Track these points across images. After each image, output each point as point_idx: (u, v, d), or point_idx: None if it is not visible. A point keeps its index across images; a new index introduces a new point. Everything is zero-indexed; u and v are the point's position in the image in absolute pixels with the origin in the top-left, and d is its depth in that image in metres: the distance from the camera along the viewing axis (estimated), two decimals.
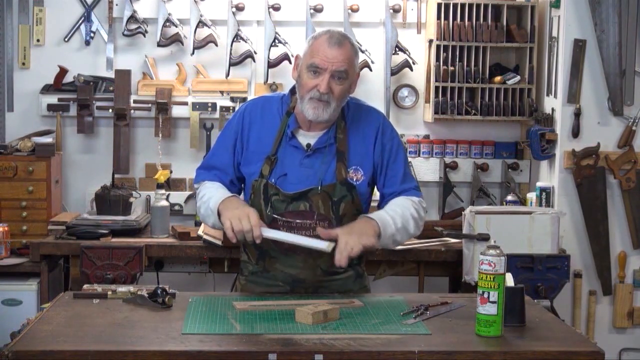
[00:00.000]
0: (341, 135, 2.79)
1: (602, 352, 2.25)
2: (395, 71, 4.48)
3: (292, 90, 2.85)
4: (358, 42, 4.42)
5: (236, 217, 2.64)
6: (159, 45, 4.42)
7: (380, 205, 2.89)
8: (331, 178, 2.77)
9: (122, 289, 2.71)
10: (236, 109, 4.37)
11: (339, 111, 2.77)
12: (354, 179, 2.79)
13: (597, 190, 4.15)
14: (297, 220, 2.75)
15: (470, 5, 4.33)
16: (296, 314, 2.44)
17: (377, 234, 2.69)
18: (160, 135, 4.44)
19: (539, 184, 4.21)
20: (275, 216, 2.76)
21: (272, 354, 2.16)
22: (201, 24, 4.41)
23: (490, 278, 2.31)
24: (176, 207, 4.44)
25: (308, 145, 2.78)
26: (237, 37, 4.41)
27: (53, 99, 4.43)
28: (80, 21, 4.48)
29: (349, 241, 2.62)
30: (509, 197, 4.22)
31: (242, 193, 2.92)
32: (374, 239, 2.67)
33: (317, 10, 4.47)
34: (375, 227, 2.69)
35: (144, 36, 4.44)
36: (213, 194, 2.79)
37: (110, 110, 4.44)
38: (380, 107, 4.37)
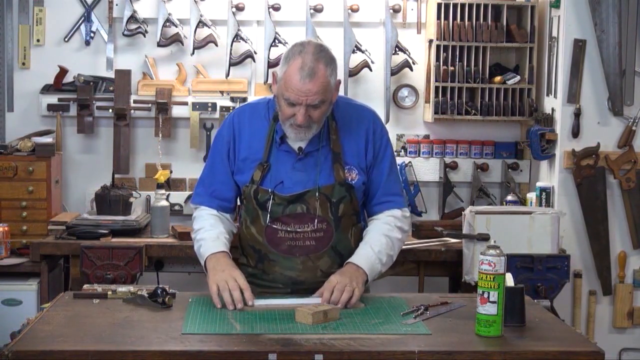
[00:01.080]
0: (334, 136, 2.79)
1: (602, 352, 2.25)
2: (395, 71, 4.48)
3: None
4: (358, 42, 4.43)
5: (223, 280, 2.64)
6: (159, 45, 4.42)
7: (366, 207, 2.90)
8: (326, 179, 2.77)
9: (122, 289, 2.71)
10: (235, 109, 4.41)
11: (323, 123, 2.75)
12: (349, 179, 2.79)
13: (597, 190, 4.15)
14: (297, 225, 2.76)
15: (470, 5, 4.33)
16: (296, 314, 2.44)
17: (364, 283, 2.73)
18: (160, 135, 4.44)
19: (539, 184, 4.21)
20: (270, 224, 2.76)
21: (272, 354, 2.17)
22: (201, 24, 4.41)
23: (490, 278, 2.31)
24: (176, 207, 4.43)
25: (300, 148, 2.77)
26: (237, 37, 4.41)
27: (53, 99, 4.43)
28: (80, 21, 4.48)
29: (342, 281, 2.65)
30: (509, 197, 4.22)
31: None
32: (363, 288, 2.72)
33: (317, 10, 4.47)
34: (363, 276, 2.72)
35: (144, 36, 4.44)
36: (205, 236, 2.80)
37: (110, 110, 4.43)
38: (380, 107, 4.38)
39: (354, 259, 2.76)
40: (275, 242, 2.78)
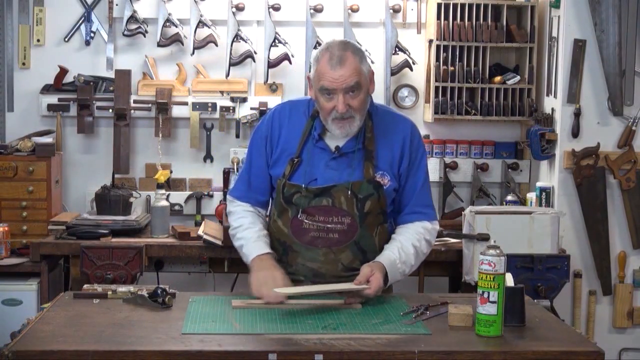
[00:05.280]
0: (369, 134, 2.82)
1: (602, 352, 2.25)
2: (395, 71, 4.48)
3: None
4: (358, 43, 4.42)
5: (263, 277, 2.69)
6: (159, 45, 4.42)
7: (397, 216, 2.92)
8: (356, 176, 2.80)
9: (122, 289, 2.71)
10: (236, 109, 4.43)
11: (364, 117, 2.79)
12: (381, 183, 2.82)
13: (597, 190, 4.15)
14: (322, 218, 2.78)
15: (470, 5, 4.33)
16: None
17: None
18: (160, 135, 4.44)
19: (539, 184, 4.21)
20: (296, 215, 2.80)
21: (272, 354, 2.17)
22: (201, 24, 4.41)
23: (490, 278, 2.31)
24: (176, 207, 4.44)
25: (337, 147, 2.81)
26: (237, 37, 4.41)
27: (53, 99, 4.43)
28: (80, 21, 4.48)
29: (379, 282, 2.68)
30: (509, 197, 4.22)
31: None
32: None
33: (317, 10, 4.47)
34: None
35: (144, 36, 4.44)
36: (246, 235, 2.86)
37: (110, 110, 4.43)
38: None
39: (382, 261, 2.77)
40: (299, 233, 2.82)
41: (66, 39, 4.49)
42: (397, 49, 4.46)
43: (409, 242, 2.84)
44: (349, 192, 2.77)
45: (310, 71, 2.82)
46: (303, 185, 2.78)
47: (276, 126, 2.88)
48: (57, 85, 4.42)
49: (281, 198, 2.82)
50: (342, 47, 2.73)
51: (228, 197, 3.03)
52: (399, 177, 2.85)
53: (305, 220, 2.80)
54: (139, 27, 4.42)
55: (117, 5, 4.44)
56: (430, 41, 4.38)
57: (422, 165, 2.91)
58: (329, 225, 2.79)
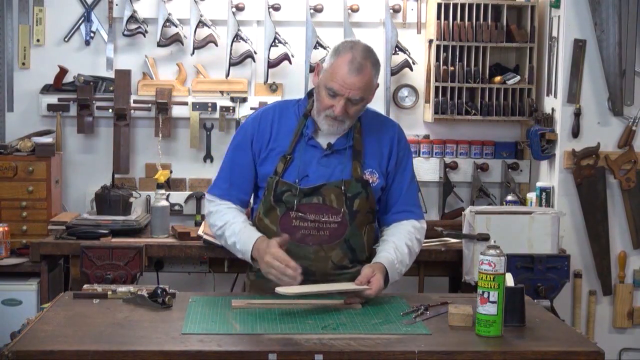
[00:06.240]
0: (357, 135, 2.86)
1: (602, 352, 2.26)
2: (395, 71, 4.48)
3: (310, 94, 2.92)
4: None
5: (268, 267, 2.70)
6: (159, 45, 4.42)
7: (385, 216, 2.94)
8: (345, 175, 2.82)
9: (122, 289, 2.72)
10: (236, 109, 4.43)
11: (354, 122, 2.84)
12: (370, 181, 2.85)
13: (597, 190, 4.15)
14: (313, 216, 2.80)
15: (470, 5, 4.33)
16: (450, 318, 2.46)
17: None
18: (160, 135, 4.44)
19: (539, 184, 4.21)
20: (285, 213, 2.81)
21: (272, 354, 2.17)
22: (201, 24, 4.41)
23: (490, 278, 2.31)
24: (176, 207, 4.44)
25: (329, 144, 2.84)
26: (237, 37, 4.41)
27: (53, 99, 4.43)
28: (80, 21, 4.48)
29: (380, 283, 2.69)
30: (509, 197, 4.22)
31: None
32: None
33: (317, 10, 4.47)
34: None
35: (144, 36, 4.44)
36: (235, 230, 2.84)
37: (110, 110, 4.43)
38: (380, 107, 4.38)
39: (382, 261, 2.78)
40: (289, 230, 2.82)
41: (66, 39, 4.49)
42: (397, 49, 4.46)
43: (402, 242, 2.86)
44: (342, 189, 2.80)
45: (323, 61, 2.83)
46: (296, 180, 2.80)
47: (264, 125, 2.89)
48: (57, 85, 4.42)
49: (272, 196, 2.83)
50: (364, 54, 2.74)
51: (207, 196, 2.99)
52: (386, 176, 2.89)
53: (295, 218, 2.81)
54: (139, 27, 4.42)
55: (117, 5, 4.44)
56: (430, 41, 4.37)
57: (408, 165, 2.95)
58: (319, 223, 2.81)
